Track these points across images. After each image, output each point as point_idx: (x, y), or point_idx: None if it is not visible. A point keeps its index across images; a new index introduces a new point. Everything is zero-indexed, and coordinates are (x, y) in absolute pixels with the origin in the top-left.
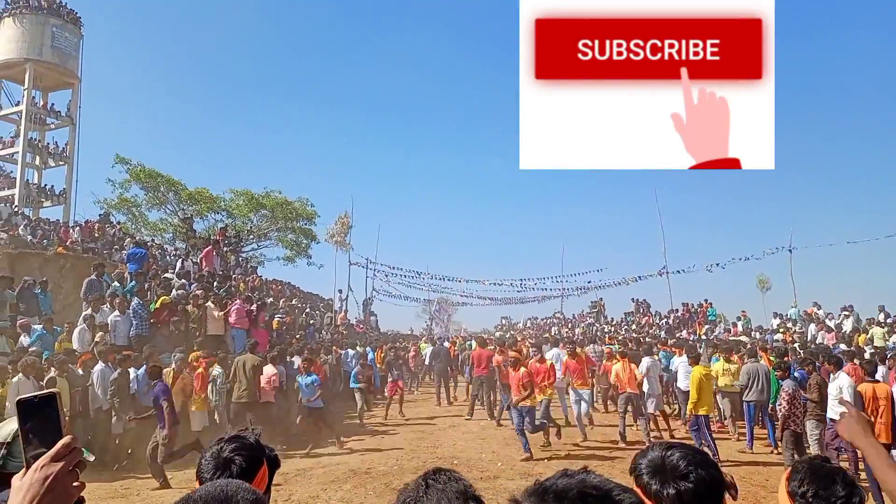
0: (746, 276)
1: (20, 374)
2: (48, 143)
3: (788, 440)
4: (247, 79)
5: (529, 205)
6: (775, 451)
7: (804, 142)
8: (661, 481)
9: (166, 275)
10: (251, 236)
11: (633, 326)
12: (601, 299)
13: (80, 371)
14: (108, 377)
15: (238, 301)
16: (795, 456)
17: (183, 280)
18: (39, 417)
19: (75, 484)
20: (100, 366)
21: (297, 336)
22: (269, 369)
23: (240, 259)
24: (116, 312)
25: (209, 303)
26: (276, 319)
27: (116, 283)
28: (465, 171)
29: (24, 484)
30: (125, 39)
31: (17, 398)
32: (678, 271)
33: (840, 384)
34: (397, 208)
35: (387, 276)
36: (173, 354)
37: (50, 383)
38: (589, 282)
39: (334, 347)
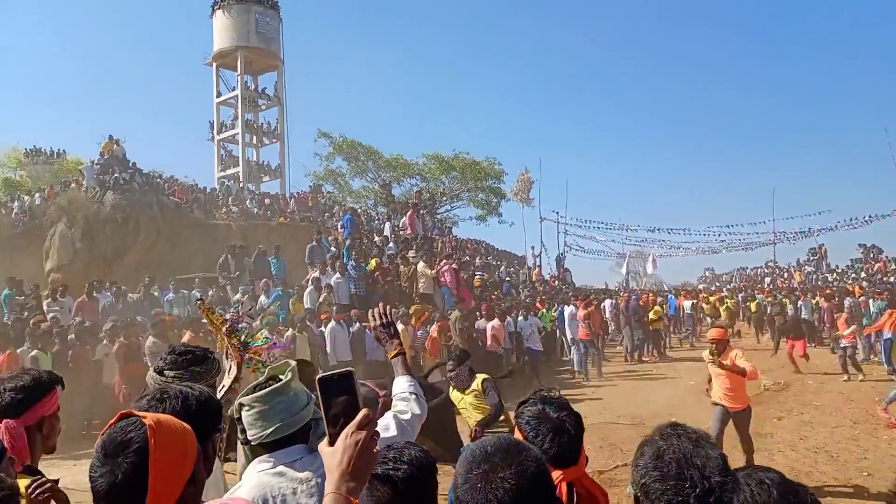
0: None
1: (265, 331)
2: (262, 123)
3: None
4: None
5: (734, 144)
6: None
7: None
8: None
9: (376, 239)
10: (444, 198)
11: (862, 274)
12: (822, 245)
13: (324, 329)
14: (340, 335)
15: (447, 261)
16: None
17: (391, 243)
18: (337, 392)
19: (375, 450)
20: (332, 324)
21: (495, 294)
22: (495, 323)
23: (436, 220)
24: (338, 275)
25: (420, 262)
26: (476, 277)
27: (333, 248)
28: (658, 121)
29: (337, 448)
30: (317, 18)
31: (318, 376)
32: None
33: None
34: (586, 164)
35: (581, 227)
36: (397, 311)
37: (290, 340)
38: (809, 227)
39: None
